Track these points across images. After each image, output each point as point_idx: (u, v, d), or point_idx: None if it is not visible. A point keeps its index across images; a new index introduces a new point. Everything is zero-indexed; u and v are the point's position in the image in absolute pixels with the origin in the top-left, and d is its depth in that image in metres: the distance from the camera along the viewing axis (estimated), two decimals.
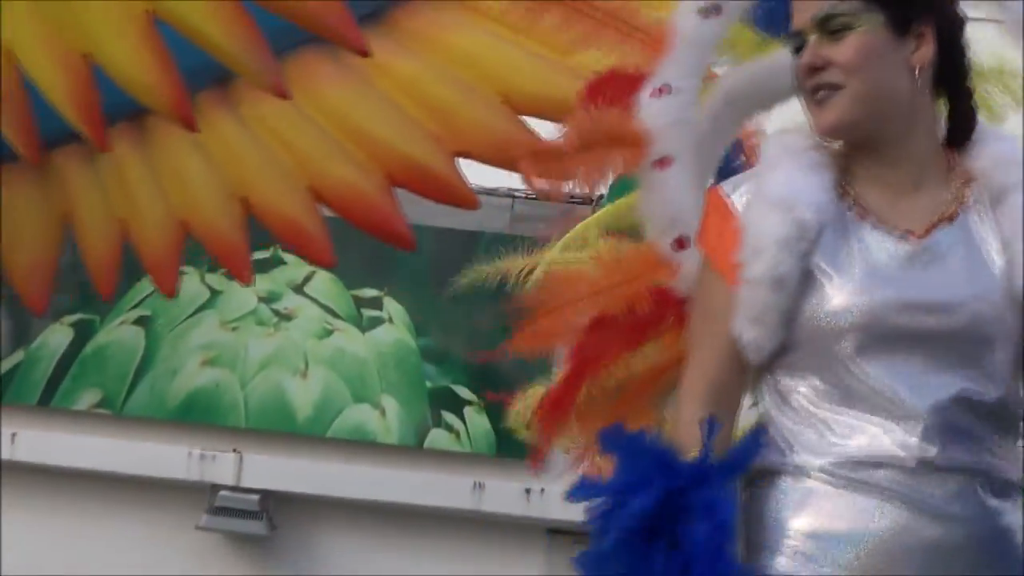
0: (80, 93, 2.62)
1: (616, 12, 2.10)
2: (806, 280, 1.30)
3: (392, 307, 5.05)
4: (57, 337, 5.18)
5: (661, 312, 1.70)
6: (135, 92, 2.70)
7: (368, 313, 5.06)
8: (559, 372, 1.94)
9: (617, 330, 1.74)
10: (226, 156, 2.92)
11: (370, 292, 5.06)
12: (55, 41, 2.51)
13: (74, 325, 5.18)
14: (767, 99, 1.98)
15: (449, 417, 5.13)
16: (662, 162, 1.80)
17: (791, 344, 1.33)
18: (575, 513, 1.45)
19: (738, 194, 1.45)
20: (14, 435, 4.93)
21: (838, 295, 1.29)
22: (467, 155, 2.89)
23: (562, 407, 1.88)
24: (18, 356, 5.22)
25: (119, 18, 2.41)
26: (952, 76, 1.40)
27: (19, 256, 3.07)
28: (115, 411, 5.15)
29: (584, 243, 2.12)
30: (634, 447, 1.32)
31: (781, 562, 1.30)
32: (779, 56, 1.77)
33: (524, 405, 2.19)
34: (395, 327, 5.00)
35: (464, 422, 5.13)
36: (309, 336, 5.11)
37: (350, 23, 2.69)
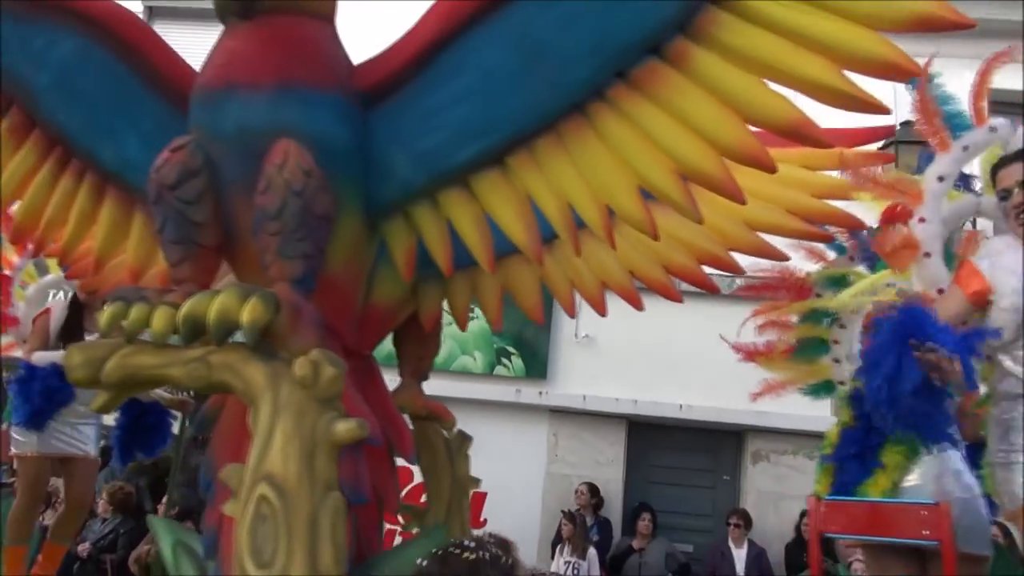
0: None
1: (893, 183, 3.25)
2: None
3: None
4: None
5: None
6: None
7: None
8: None
9: None
10: None
11: None
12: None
13: None
14: (959, 220, 3.46)
15: (504, 359, 9.79)
16: (927, 255, 3.16)
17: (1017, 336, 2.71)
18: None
19: (983, 265, 2.80)
20: None
21: None
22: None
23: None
24: None
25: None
26: None
27: None
28: None
29: (874, 290, 3.60)
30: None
31: None
32: (965, 202, 3.34)
33: None
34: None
35: (510, 362, 9.75)
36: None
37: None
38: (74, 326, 4.94)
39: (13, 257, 5.62)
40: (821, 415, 9.51)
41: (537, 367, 9.76)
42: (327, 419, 2.00)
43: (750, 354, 4.07)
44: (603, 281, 2.86)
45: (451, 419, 3.19)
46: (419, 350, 3.15)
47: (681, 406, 9.45)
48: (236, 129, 2.32)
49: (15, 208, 2.84)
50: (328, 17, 2.52)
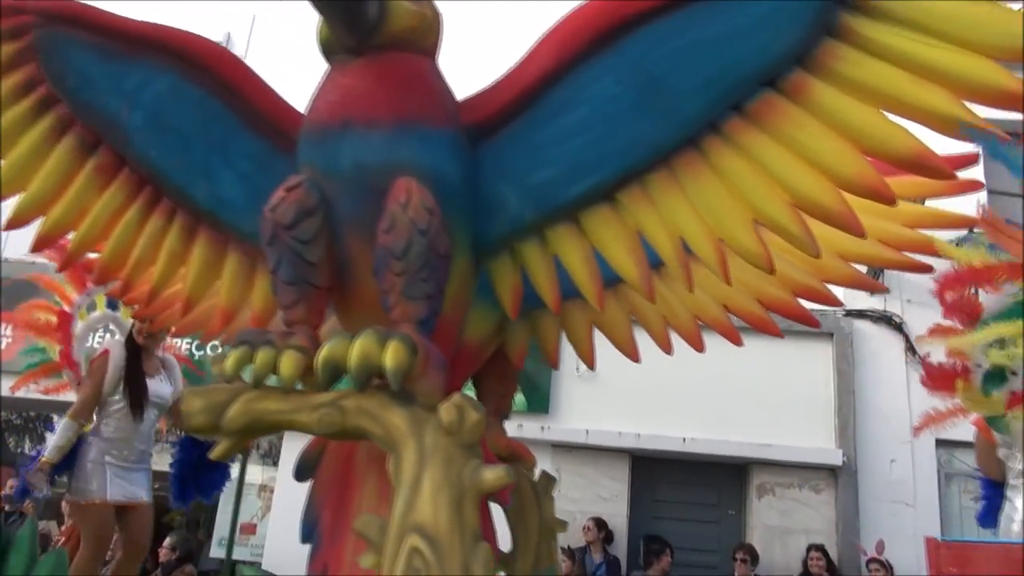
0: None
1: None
2: None
3: None
4: None
5: None
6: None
7: None
8: None
9: None
10: None
11: None
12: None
13: None
14: None
15: None
16: None
17: None
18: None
19: None
20: None
21: None
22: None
23: None
24: None
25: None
26: None
27: None
28: None
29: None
30: None
31: None
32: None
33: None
34: None
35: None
36: None
37: None
38: (133, 369, 4.83)
39: (73, 294, 5.50)
40: (825, 447, 9.65)
41: (539, 401, 9.71)
42: (473, 466, 1.93)
43: (938, 382, 3.95)
44: (696, 316, 2.82)
45: (532, 459, 3.12)
46: (501, 387, 3.08)
47: (684, 439, 9.45)
48: (352, 166, 2.26)
49: (104, 250, 2.74)
50: (432, 52, 2.48)
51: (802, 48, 2.14)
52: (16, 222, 2.75)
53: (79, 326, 5.55)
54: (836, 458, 9.29)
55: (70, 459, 4.78)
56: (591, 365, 2.85)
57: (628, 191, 2.33)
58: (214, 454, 2.17)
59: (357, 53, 2.33)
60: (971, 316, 3.84)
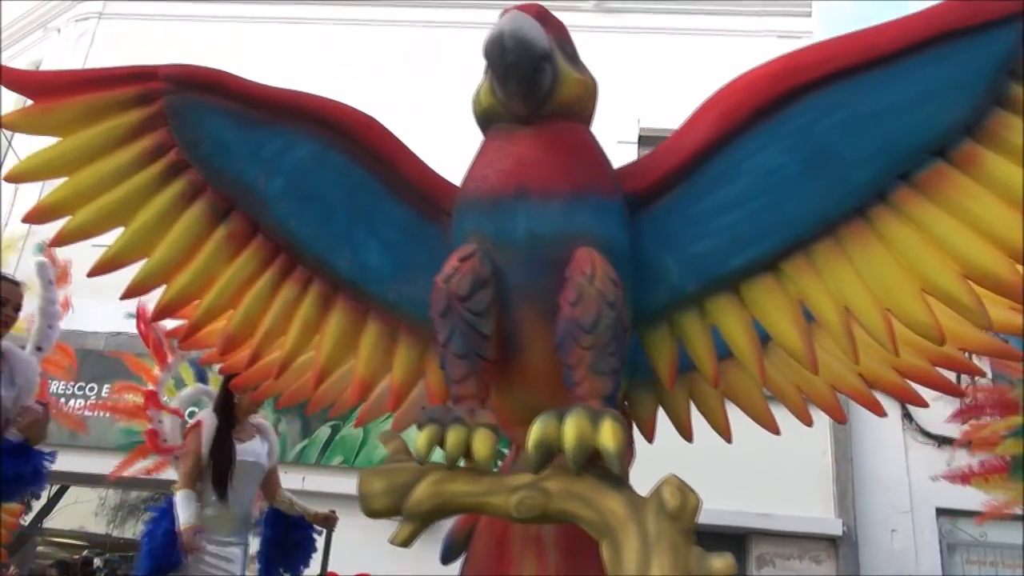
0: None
1: None
2: None
3: None
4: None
5: None
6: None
7: None
8: None
9: None
10: None
11: None
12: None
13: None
14: None
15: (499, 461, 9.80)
16: None
17: None
18: None
19: None
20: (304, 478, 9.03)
21: None
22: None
23: None
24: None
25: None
26: None
27: None
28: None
29: None
30: None
31: None
32: None
33: None
34: None
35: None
36: None
37: None
38: (224, 440, 4.67)
39: (155, 371, 5.34)
40: (825, 517, 9.62)
41: None
42: (697, 553, 1.85)
43: (964, 477, 3.97)
44: (833, 385, 2.77)
45: None
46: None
47: None
48: (527, 235, 2.21)
49: (232, 320, 2.62)
50: (590, 121, 2.46)
51: (973, 118, 2.15)
52: (137, 290, 2.62)
53: (171, 403, 5.40)
54: (836, 528, 9.25)
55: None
56: (726, 437, 2.78)
57: (792, 261, 2.31)
58: (397, 540, 2.05)
59: (525, 122, 2.30)
60: (1007, 409, 3.89)
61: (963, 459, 8.82)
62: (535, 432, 1.92)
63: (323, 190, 2.53)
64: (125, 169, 2.57)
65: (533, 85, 2.23)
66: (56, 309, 4.38)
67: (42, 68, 12.92)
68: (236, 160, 2.54)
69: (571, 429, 1.89)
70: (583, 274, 2.12)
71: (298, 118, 2.52)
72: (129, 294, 2.63)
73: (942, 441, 9.05)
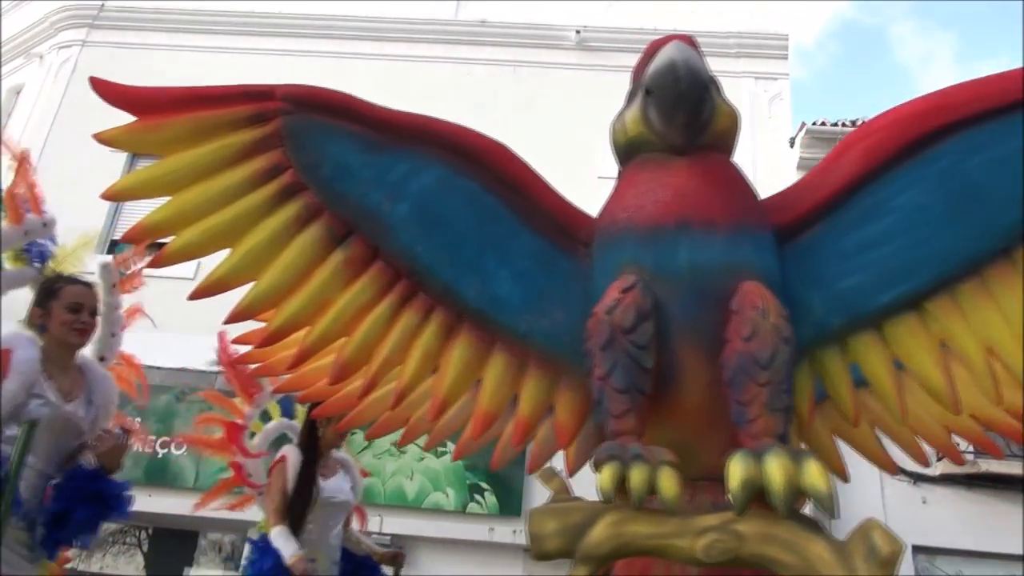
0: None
1: None
2: None
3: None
4: None
5: None
6: None
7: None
8: None
9: None
10: None
11: None
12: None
13: None
14: None
15: (477, 496, 9.46)
16: None
17: None
18: None
19: None
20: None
21: None
22: None
23: None
24: None
25: None
26: None
27: None
28: None
29: None
30: None
31: None
32: None
33: None
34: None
35: (484, 499, 9.41)
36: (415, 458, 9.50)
37: None
38: (308, 478, 4.44)
39: (244, 407, 5.06)
40: None
41: (512, 504, 9.40)
42: None
43: None
44: (946, 425, 2.74)
45: None
46: None
47: None
48: (689, 268, 2.15)
49: (348, 347, 2.50)
50: (733, 152, 2.43)
51: None
52: (244, 314, 2.50)
53: (257, 438, 5.14)
54: None
55: None
56: (843, 476, 2.72)
57: (937, 300, 2.30)
58: None
59: (679, 152, 2.25)
60: None
61: (940, 496, 9.33)
62: (739, 471, 1.84)
63: (451, 216, 2.44)
64: (235, 190, 2.45)
65: (697, 115, 2.20)
66: (120, 315, 3.94)
67: (23, 95, 12.61)
68: (359, 184, 2.44)
69: (777, 469, 1.82)
70: (755, 308, 2.07)
71: (426, 143, 2.44)
72: (235, 318, 2.50)
73: (918, 478, 9.11)
